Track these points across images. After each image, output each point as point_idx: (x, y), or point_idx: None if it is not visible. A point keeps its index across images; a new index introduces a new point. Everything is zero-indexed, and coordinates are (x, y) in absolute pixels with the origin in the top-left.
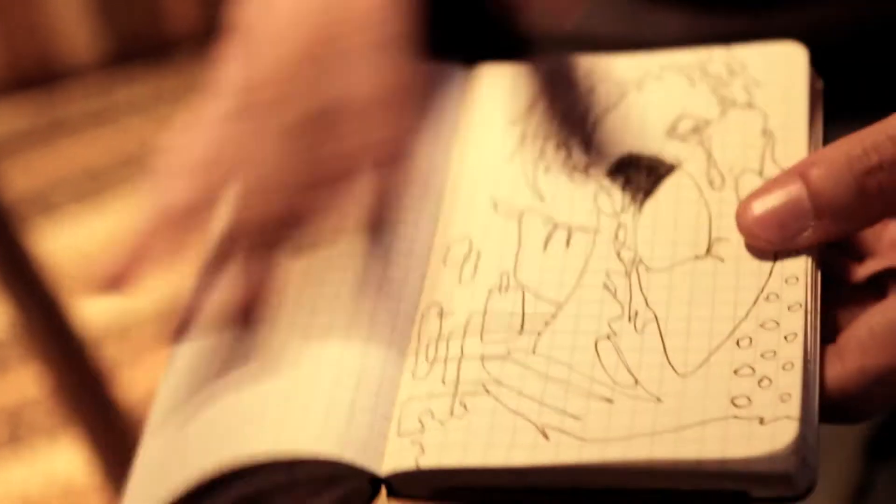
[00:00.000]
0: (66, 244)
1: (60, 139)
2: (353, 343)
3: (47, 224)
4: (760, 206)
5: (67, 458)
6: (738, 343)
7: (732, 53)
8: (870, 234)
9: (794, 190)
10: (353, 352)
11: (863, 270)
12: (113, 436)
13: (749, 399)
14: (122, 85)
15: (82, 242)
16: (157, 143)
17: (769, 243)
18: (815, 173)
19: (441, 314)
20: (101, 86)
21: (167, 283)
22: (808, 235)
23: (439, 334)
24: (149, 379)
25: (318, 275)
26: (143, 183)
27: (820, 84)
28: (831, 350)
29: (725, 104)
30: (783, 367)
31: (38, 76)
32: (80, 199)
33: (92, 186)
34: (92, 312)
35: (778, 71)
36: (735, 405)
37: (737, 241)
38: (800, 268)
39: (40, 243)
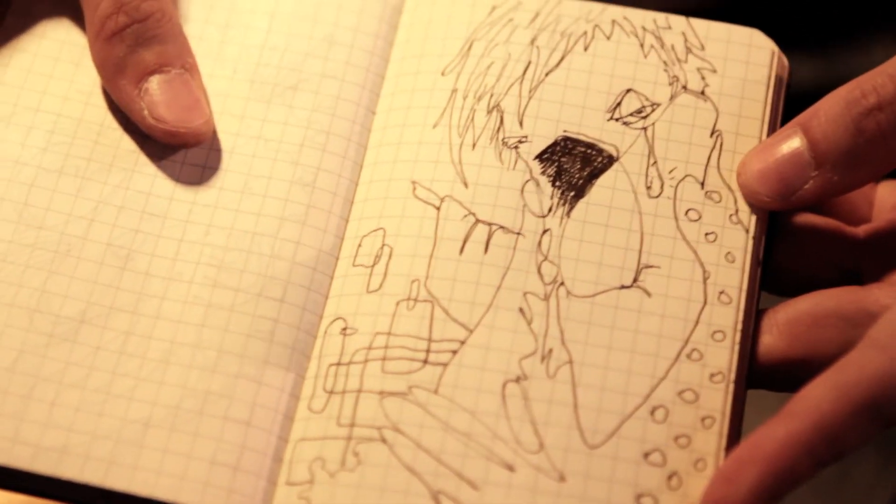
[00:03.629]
0: None
1: None
2: (249, 363)
3: None
4: (760, 161)
5: None
6: (652, 413)
7: (692, 26)
8: (862, 201)
9: (794, 141)
10: (248, 374)
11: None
12: None
13: (656, 501)
14: None
15: None
16: None
17: (771, 199)
18: (814, 121)
19: (345, 331)
20: None
21: None
22: (809, 188)
23: (340, 358)
24: None
25: (212, 273)
26: None
27: (785, 68)
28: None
29: (676, 87)
30: (695, 466)
31: None
32: None
33: None
34: None
35: (738, 60)
36: None
37: (667, 270)
38: (728, 320)
39: None
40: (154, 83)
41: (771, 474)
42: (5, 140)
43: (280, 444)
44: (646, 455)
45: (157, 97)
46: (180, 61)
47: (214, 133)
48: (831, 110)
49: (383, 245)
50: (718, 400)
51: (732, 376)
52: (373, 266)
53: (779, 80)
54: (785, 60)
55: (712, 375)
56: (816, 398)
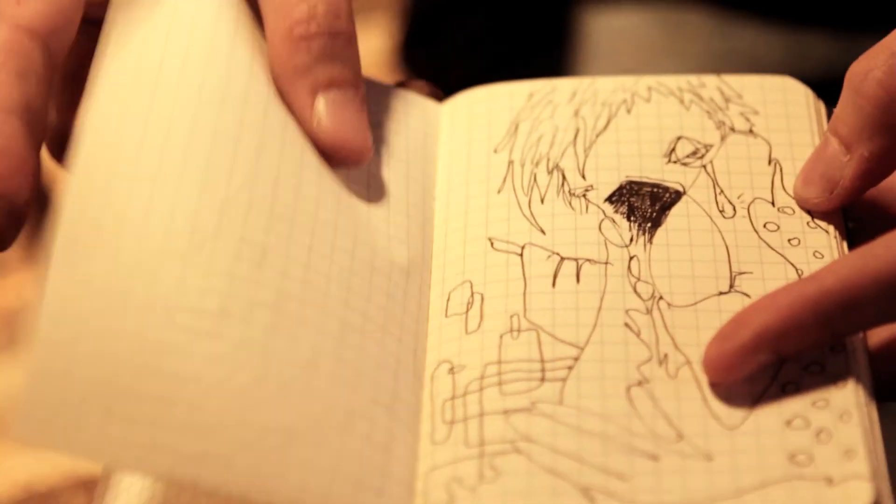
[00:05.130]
0: None
1: None
2: (356, 420)
3: None
4: (802, 170)
5: None
6: (783, 389)
7: (725, 81)
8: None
9: (822, 141)
10: (356, 429)
11: None
12: None
13: (810, 456)
14: None
15: None
16: None
17: (819, 198)
18: (832, 117)
19: (452, 370)
20: None
21: None
22: (849, 172)
23: (453, 392)
24: None
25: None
26: None
27: (821, 104)
28: None
29: (724, 129)
30: (840, 418)
31: None
32: None
33: None
34: None
35: (776, 101)
36: (795, 463)
37: (760, 273)
38: None
39: None
40: (329, 96)
41: (778, 323)
42: None
43: (408, 480)
44: (788, 422)
45: (329, 109)
46: (356, 86)
47: None
48: (843, 93)
49: (473, 293)
50: (842, 364)
51: (854, 345)
52: (467, 312)
53: (818, 111)
54: (820, 101)
55: (832, 347)
56: (840, 264)
